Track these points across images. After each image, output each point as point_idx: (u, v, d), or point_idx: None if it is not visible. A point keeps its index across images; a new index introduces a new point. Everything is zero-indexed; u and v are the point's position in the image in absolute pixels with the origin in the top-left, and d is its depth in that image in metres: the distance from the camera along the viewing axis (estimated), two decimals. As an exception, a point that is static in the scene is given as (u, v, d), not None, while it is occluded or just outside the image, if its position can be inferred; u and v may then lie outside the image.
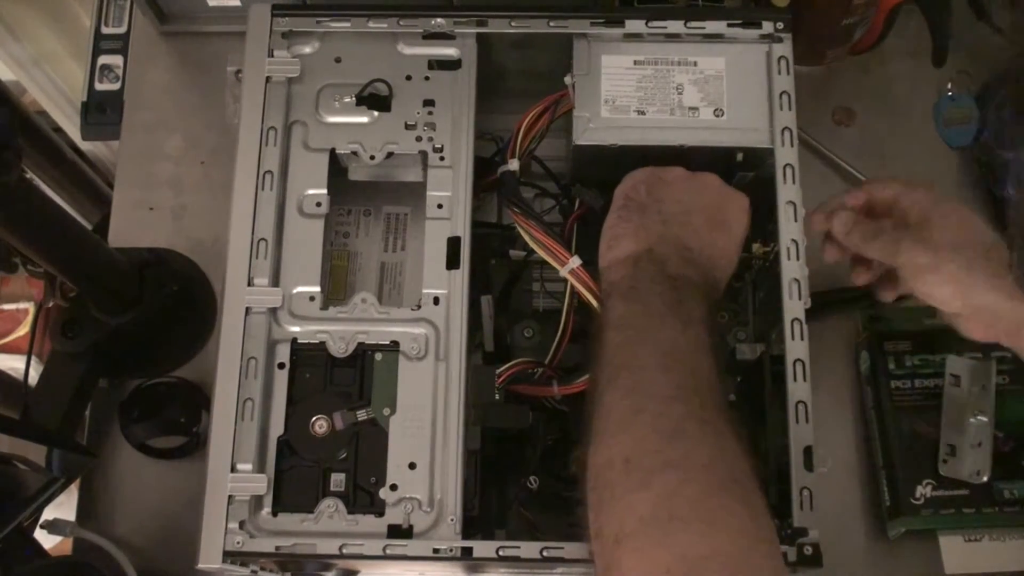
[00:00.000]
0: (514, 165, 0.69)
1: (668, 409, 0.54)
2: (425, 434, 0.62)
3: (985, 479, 0.74)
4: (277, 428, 0.63)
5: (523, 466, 0.69)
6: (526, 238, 0.67)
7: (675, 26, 0.70)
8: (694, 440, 0.52)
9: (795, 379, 0.62)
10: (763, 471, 0.66)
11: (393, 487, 0.62)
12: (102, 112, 0.90)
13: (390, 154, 0.69)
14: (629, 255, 0.62)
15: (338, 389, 0.65)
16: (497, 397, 0.65)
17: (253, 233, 0.66)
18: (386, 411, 0.64)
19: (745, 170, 0.70)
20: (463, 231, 0.66)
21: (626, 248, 0.63)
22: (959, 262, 0.62)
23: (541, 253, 0.67)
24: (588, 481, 0.54)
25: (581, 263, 0.65)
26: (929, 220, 0.64)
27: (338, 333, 0.65)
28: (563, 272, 0.66)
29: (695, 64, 0.69)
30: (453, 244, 0.66)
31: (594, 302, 0.64)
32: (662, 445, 0.52)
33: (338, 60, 0.71)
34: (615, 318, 0.60)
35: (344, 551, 0.60)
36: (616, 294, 0.61)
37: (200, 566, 0.60)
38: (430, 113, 0.69)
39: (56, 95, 1.26)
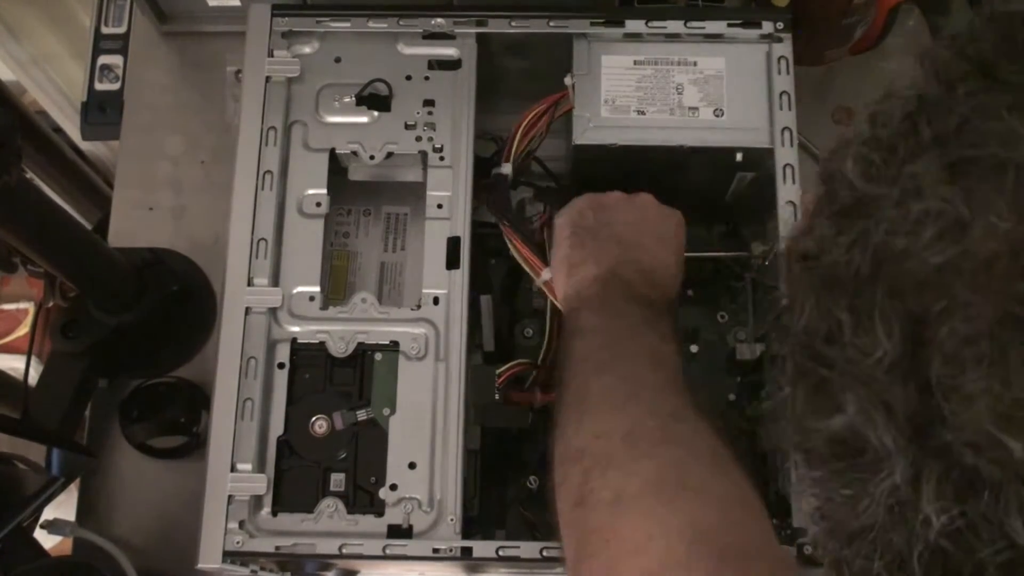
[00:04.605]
0: (507, 169, 0.69)
1: (664, 398, 0.54)
2: (425, 434, 0.62)
3: (985, 479, 0.74)
4: (277, 428, 0.63)
5: (523, 466, 0.69)
6: (508, 245, 0.67)
7: (675, 26, 0.70)
8: (694, 426, 0.53)
9: (795, 379, 0.62)
10: (763, 471, 0.67)
11: (393, 487, 0.62)
12: (102, 112, 0.90)
13: (390, 154, 0.69)
14: (595, 277, 0.62)
15: (338, 389, 0.65)
16: (497, 397, 0.65)
17: (253, 233, 0.66)
18: (386, 411, 0.64)
19: (745, 170, 0.70)
20: (463, 231, 0.66)
21: (589, 271, 0.62)
22: None
23: (520, 262, 0.67)
24: (567, 455, 0.53)
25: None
26: None
27: (338, 333, 0.65)
28: (538, 283, 0.66)
29: (695, 64, 0.69)
30: (453, 244, 0.66)
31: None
32: (665, 424, 0.52)
33: (338, 60, 0.71)
34: (591, 326, 0.59)
35: (344, 551, 0.60)
36: (587, 308, 0.61)
37: (200, 566, 0.60)
38: (430, 113, 0.69)
39: (56, 95, 1.26)
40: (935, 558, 0.29)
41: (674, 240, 0.66)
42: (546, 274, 0.65)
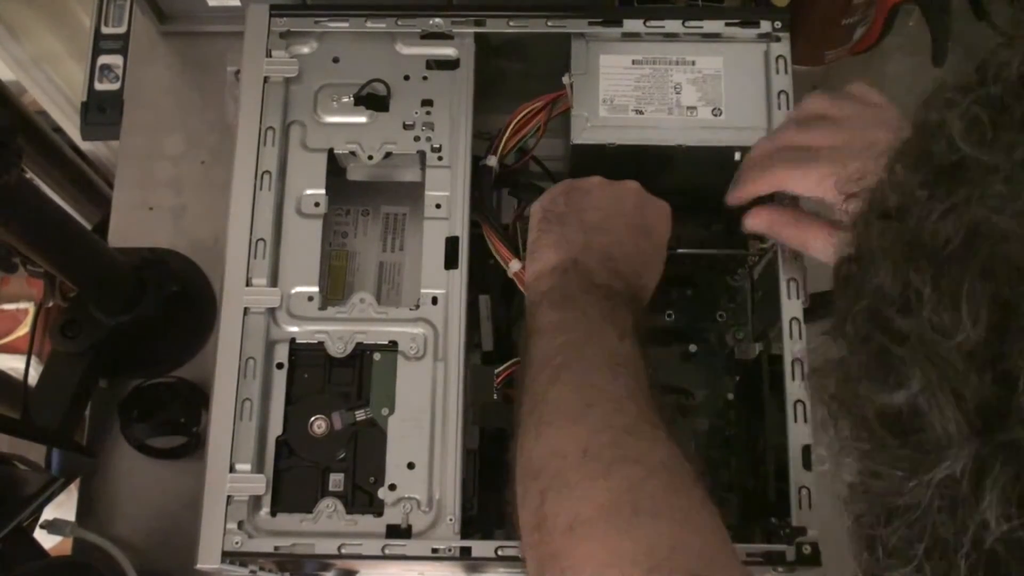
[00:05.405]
0: (492, 162, 0.69)
1: (621, 407, 0.54)
2: (424, 434, 0.62)
3: (984, 478, 0.74)
4: (276, 428, 0.63)
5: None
6: (485, 236, 0.68)
7: (673, 25, 0.70)
8: (650, 439, 0.52)
9: (793, 378, 0.62)
10: (761, 470, 0.67)
11: (392, 487, 0.62)
12: (102, 112, 0.90)
13: (388, 154, 0.69)
14: (555, 266, 0.62)
15: (337, 389, 0.65)
16: (495, 397, 0.65)
17: (251, 233, 0.66)
18: (385, 411, 0.64)
19: (743, 169, 0.70)
20: (461, 231, 0.66)
21: (549, 259, 0.62)
22: None
23: (493, 253, 0.67)
24: (527, 471, 0.53)
25: (523, 266, 0.66)
26: None
27: (336, 333, 0.65)
28: (509, 274, 0.66)
29: (693, 63, 0.69)
30: (451, 244, 0.66)
31: None
32: (620, 439, 0.52)
33: (336, 60, 0.71)
34: (549, 324, 0.59)
35: (343, 551, 0.60)
36: (547, 303, 0.60)
37: (199, 566, 0.60)
38: (428, 113, 0.69)
39: (56, 95, 1.26)
40: (985, 560, 0.27)
41: (653, 229, 0.65)
42: (515, 265, 0.66)
